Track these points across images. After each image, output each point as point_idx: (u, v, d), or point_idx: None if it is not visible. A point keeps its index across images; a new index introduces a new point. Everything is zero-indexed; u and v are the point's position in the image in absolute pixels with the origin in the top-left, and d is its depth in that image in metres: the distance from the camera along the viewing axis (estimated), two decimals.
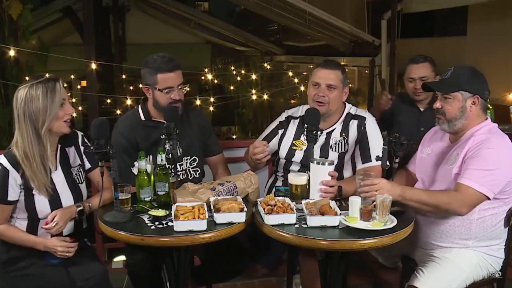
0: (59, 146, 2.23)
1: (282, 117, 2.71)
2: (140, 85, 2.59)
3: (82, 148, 2.30)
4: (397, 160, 2.17)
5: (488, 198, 2.05)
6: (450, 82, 2.19)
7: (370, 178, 2.04)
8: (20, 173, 2.08)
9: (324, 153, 2.51)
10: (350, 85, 2.60)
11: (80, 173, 2.28)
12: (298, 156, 2.56)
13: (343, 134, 2.52)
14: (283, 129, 2.66)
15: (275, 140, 2.65)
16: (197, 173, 2.65)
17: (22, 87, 2.11)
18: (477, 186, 2.02)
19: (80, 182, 2.27)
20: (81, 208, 2.21)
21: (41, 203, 2.13)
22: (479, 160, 2.06)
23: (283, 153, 2.60)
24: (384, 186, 2.00)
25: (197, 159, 2.64)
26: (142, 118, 2.57)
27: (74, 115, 2.28)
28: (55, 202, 2.16)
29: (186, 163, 2.61)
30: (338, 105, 2.52)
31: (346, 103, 2.61)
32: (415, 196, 2.05)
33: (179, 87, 2.50)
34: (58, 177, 2.19)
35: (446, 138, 2.32)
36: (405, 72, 3.04)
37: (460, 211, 2.04)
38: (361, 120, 2.53)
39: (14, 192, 2.09)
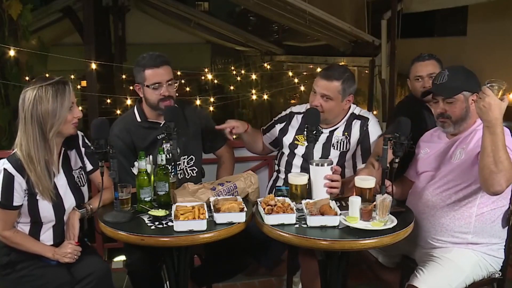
0: (63, 149, 2.20)
1: (285, 112, 2.74)
2: (131, 87, 2.57)
3: (83, 150, 2.28)
4: (397, 160, 2.17)
5: None
6: (451, 86, 2.21)
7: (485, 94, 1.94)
8: (26, 178, 2.05)
9: (325, 151, 2.52)
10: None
11: (81, 176, 2.26)
12: (301, 150, 2.58)
13: (346, 133, 2.54)
14: (284, 123, 2.69)
15: (277, 127, 2.69)
16: (195, 171, 2.64)
17: (30, 88, 2.04)
18: None
19: (81, 184, 2.25)
20: (84, 210, 2.21)
21: (45, 208, 2.11)
22: None
23: (286, 142, 2.62)
24: (494, 105, 1.91)
25: (194, 158, 2.63)
26: (138, 119, 2.56)
27: None
28: (58, 206, 2.14)
29: (184, 162, 2.60)
30: (336, 114, 2.53)
31: (351, 104, 2.61)
32: (496, 140, 1.94)
33: (168, 83, 2.47)
34: (61, 181, 2.17)
35: (443, 136, 2.33)
36: (410, 72, 2.87)
37: (500, 184, 1.92)
38: (364, 121, 2.55)
39: (19, 197, 2.06)
